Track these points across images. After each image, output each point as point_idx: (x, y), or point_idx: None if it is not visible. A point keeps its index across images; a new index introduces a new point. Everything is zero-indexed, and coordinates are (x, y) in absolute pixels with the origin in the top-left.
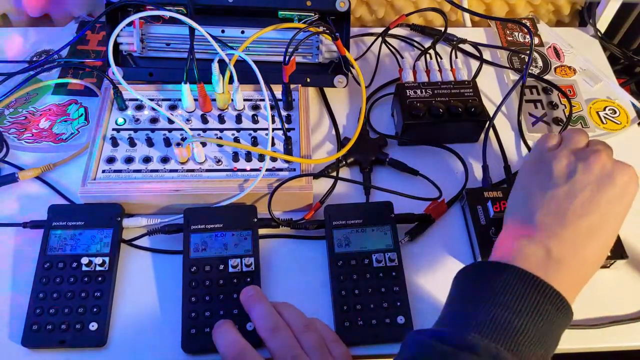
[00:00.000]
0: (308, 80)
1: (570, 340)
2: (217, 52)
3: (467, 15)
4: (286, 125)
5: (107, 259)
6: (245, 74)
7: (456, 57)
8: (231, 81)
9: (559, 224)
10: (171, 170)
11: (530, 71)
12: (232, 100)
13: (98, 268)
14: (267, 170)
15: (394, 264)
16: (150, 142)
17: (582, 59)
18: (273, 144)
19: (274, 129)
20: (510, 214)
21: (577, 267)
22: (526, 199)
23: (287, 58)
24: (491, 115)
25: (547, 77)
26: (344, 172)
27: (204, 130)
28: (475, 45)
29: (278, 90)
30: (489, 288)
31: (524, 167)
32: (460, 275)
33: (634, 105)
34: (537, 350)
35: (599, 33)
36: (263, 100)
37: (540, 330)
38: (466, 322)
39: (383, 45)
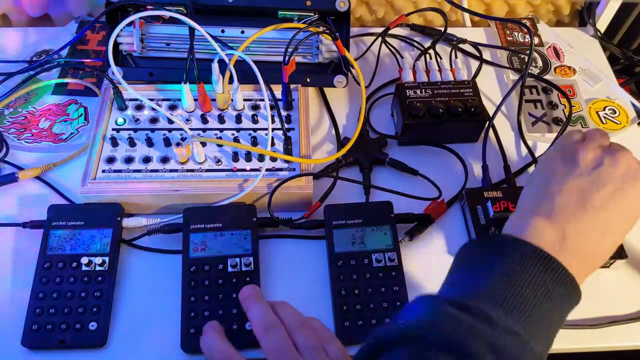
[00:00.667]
0: (308, 80)
1: (570, 340)
2: (217, 52)
3: (467, 15)
4: (286, 125)
5: (107, 259)
6: (245, 74)
7: (456, 57)
8: (231, 81)
9: (578, 211)
10: (171, 170)
11: (530, 71)
12: (232, 100)
13: (98, 268)
14: (266, 170)
15: (394, 264)
16: (150, 142)
17: (582, 59)
18: (273, 144)
19: (273, 129)
20: (529, 193)
21: (588, 256)
22: (548, 181)
23: (287, 58)
24: (491, 115)
25: (547, 77)
26: (344, 172)
27: (204, 130)
28: (475, 45)
29: (278, 90)
30: (505, 261)
31: (547, 155)
32: (471, 245)
33: (633, 105)
34: (545, 328)
35: (598, 33)
36: (263, 100)
37: (551, 309)
38: (481, 293)
39: (383, 45)
